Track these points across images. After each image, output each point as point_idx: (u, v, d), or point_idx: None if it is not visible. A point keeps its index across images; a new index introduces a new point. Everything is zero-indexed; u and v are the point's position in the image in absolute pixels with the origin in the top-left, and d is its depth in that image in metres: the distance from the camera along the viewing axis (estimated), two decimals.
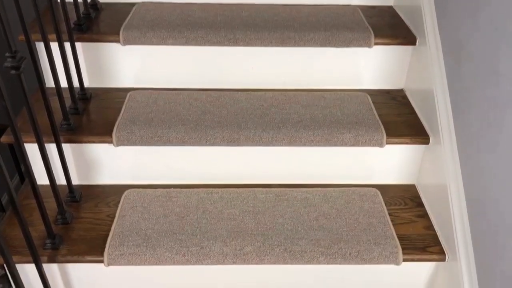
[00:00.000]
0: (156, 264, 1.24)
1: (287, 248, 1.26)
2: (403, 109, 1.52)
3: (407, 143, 1.40)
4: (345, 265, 1.27)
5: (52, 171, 1.24)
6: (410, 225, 1.36)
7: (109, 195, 1.43)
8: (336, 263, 1.26)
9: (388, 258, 1.26)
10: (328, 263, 1.26)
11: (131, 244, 1.26)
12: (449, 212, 1.25)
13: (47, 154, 1.23)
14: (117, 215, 1.35)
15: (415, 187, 1.49)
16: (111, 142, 1.36)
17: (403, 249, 1.27)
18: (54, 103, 1.32)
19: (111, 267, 1.26)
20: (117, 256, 1.24)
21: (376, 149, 1.41)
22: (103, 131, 1.38)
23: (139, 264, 1.24)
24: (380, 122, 1.42)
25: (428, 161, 1.42)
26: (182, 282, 1.35)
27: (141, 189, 1.44)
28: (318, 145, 1.37)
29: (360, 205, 1.40)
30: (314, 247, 1.27)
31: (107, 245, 1.26)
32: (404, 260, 1.26)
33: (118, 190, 1.44)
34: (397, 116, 1.48)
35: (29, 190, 1.24)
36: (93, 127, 1.41)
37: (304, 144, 1.37)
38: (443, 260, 1.28)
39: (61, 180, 1.38)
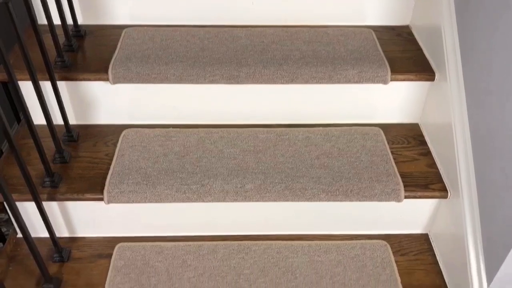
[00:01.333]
0: (157, 201, 1.24)
1: (288, 186, 1.25)
2: (408, 45, 1.47)
3: (412, 80, 1.36)
4: (346, 202, 1.26)
5: (47, 108, 1.20)
6: (412, 163, 1.34)
7: (107, 135, 1.41)
8: (337, 200, 1.25)
9: (389, 195, 1.25)
10: (329, 200, 1.25)
11: (131, 182, 1.25)
12: (453, 150, 1.23)
13: (41, 91, 1.19)
14: (115, 154, 1.33)
15: (418, 126, 1.47)
16: (107, 79, 1.32)
17: (405, 186, 1.26)
18: (47, 40, 1.27)
19: (112, 205, 1.26)
20: (117, 194, 1.23)
21: (379, 86, 1.38)
22: (98, 68, 1.34)
23: (139, 202, 1.23)
24: (384, 58, 1.38)
25: (433, 98, 1.38)
26: (182, 221, 1.36)
27: (139, 129, 1.41)
28: (320, 83, 1.33)
29: (362, 143, 1.38)
30: (315, 184, 1.26)
31: (106, 183, 1.24)
32: (406, 197, 1.26)
33: (116, 130, 1.42)
34: (402, 53, 1.43)
35: (26, 130, 1.21)
36: (88, 64, 1.37)
37: (306, 82, 1.33)
38: (445, 197, 1.27)
39: (58, 120, 1.36)
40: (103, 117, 1.44)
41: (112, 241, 1.35)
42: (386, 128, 1.44)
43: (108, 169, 1.29)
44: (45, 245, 1.31)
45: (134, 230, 1.36)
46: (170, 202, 1.24)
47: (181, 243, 1.34)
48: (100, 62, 1.36)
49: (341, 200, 1.25)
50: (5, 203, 1.12)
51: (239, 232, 1.38)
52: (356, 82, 1.33)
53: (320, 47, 1.41)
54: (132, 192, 1.23)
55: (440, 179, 1.30)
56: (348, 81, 1.33)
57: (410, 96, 1.41)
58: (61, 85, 1.35)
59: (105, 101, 1.41)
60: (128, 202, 1.23)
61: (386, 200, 1.26)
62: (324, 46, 1.42)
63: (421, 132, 1.44)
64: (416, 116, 1.46)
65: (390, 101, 1.43)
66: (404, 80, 1.36)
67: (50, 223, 1.22)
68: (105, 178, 1.26)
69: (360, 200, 1.25)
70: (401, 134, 1.43)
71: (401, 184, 1.26)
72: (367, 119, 1.45)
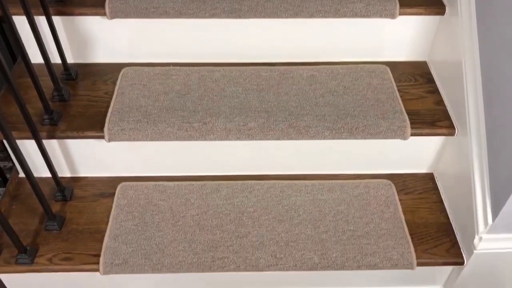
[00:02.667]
0: (158, 139, 1.22)
1: (292, 124, 1.23)
2: None
3: (421, 14, 1.30)
4: (351, 140, 1.24)
5: (43, 42, 1.16)
6: (419, 100, 1.31)
7: (106, 73, 1.37)
8: (342, 138, 1.23)
9: (395, 132, 1.23)
10: (333, 138, 1.23)
11: (131, 120, 1.22)
12: (462, 87, 1.19)
13: (36, 25, 1.15)
14: (115, 92, 1.30)
15: (426, 63, 1.42)
16: (104, 14, 1.27)
17: (411, 123, 1.23)
18: None
19: (113, 144, 1.24)
20: (118, 131, 1.21)
21: (387, 21, 1.32)
22: (95, 2, 1.29)
23: (140, 140, 1.22)
24: None
25: (442, 34, 1.33)
26: (185, 161, 1.34)
27: (139, 67, 1.37)
28: (326, 16, 1.28)
29: (368, 81, 1.34)
30: (319, 122, 1.23)
31: (107, 121, 1.22)
32: (412, 134, 1.23)
33: (115, 68, 1.38)
34: None
35: (23, 68, 1.18)
36: None
37: (312, 15, 1.28)
38: (452, 134, 1.24)
39: (55, 59, 1.32)
40: (101, 55, 1.40)
41: (115, 181, 1.34)
42: (393, 65, 1.39)
43: (108, 107, 1.26)
44: (47, 184, 1.30)
45: (136, 170, 1.35)
46: (172, 140, 1.22)
47: (184, 183, 1.33)
48: None
49: (345, 138, 1.23)
50: (4, 140, 1.11)
51: (243, 172, 1.36)
52: (363, 16, 1.28)
53: None
54: (133, 130, 1.21)
55: (447, 116, 1.27)
56: (355, 14, 1.27)
57: (419, 31, 1.36)
58: (57, 21, 1.30)
59: (103, 38, 1.36)
60: (129, 139, 1.21)
61: (392, 138, 1.23)
62: None
63: (429, 70, 1.40)
64: (424, 53, 1.42)
65: (397, 37, 1.38)
66: (412, 14, 1.31)
67: (51, 161, 1.21)
68: (105, 116, 1.24)
69: (365, 138, 1.23)
70: (408, 72, 1.39)
71: (408, 121, 1.23)
72: (373, 57, 1.41)
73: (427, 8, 1.30)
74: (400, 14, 1.29)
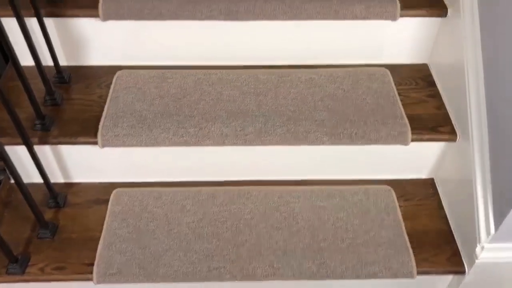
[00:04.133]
0: (153, 145, 1.19)
1: (290, 129, 1.20)
2: None
3: (422, 16, 1.27)
4: (351, 145, 1.21)
5: (33, 44, 1.13)
6: (420, 105, 1.28)
7: (100, 76, 1.34)
8: (341, 144, 1.20)
9: (396, 138, 1.20)
10: (332, 144, 1.20)
11: (125, 125, 1.19)
12: (464, 90, 1.16)
13: (26, 26, 1.12)
14: (109, 96, 1.27)
15: (427, 66, 1.39)
16: (97, 15, 1.24)
17: (412, 129, 1.21)
18: None
19: (107, 150, 1.21)
20: (112, 137, 1.18)
21: (387, 23, 1.29)
22: (88, 3, 1.25)
23: (135, 146, 1.19)
24: None
25: (444, 36, 1.30)
26: (180, 167, 1.31)
27: (134, 70, 1.34)
28: (325, 18, 1.25)
29: (368, 85, 1.31)
30: (318, 127, 1.20)
31: (100, 126, 1.19)
32: (413, 140, 1.21)
33: (109, 71, 1.35)
34: None
35: (14, 72, 1.14)
36: None
37: (311, 17, 1.24)
38: (454, 140, 1.22)
39: (47, 61, 1.29)
40: (95, 57, 1.36)
41: (109, 187, 1.31)
42: (394, 68, 1.36)
43: (102, 111, 1.23)
44: (40, 190, 1.27)
45: (131, 176, 1.32)
46: (167, 146, 1.19)
47: (179, 189, 1.30)
48: None
49: (345, 144, 1.20)
50: None
51: (239, 178, 1.33)
52: (364, 18, 1.25)
53: None
54: (127, 136, 1.18)
55: (448, 121, 1.24)
56: (355, 17, 1.24)
57: (420, 33, 1.33)
58: (49, 22, 1.26)
59: (97, 40, 1.33)
60: (123, 145, 1.18)
61: (392, 143, 1.21)
62: None
63: (430, 73, 1.37)
64: (425, 56, 1.39)
65: (398, 39, 1.34)
66: (414, 16, 1.28)
67: (43, 167, 1.18)
68: (99, 121, 1.21)
69: (365, 144, 1.20)
70: (409, 75, 1.36)
71: (408, 126, 1.21)
72: (373, 60, 1.38)
73: (429, 9, 1.27)
74: (401, 16, 1.26)
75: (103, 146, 1.18)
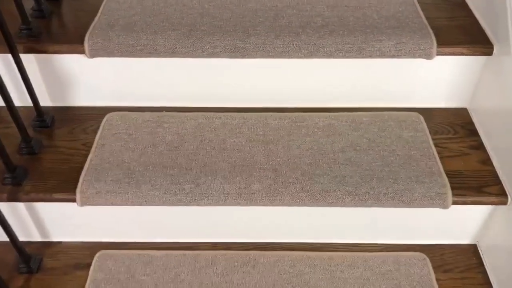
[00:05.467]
0: (140, 204, 1.00)
1: (305, 187, 1.00)
2: (457, 11, 1.18)
3: (463, 54, 1.08)
4: (378, 208, 1.01)
5: (3, 84, 0.96)
6: (461, 158, 1.08)
7: (87, 119, 1.17)
8: (367, 206, 1.00)
9: (433, 200, 0.99)
10: (356, 206, 1.00)
11: (109, 180, 1.01)
12: None
13: None
14: (95, 143, 1.10)
15: (467, 111, 1.19)
16: (83, 52, 1.08)
17: (452, 189, 1.00)
18: (10, 5, 1.03)
19: (87, 208, 1.03)
20: (92, 194, 1.00)
21: (420, 62, 1.10)
22: (73, 38, 1.09)
23: (119, 204, 1.00)
24: (428, 26, 1.10)
25: (489, 77, 1.10)
26: (175, 225, 1.12)
27: (125, 112, 1.17)
28: (347, 57, 1.06)
29: (398, 133, 1.12)
30: (338, 185, 1.00)
31: (80, 180, 1.01)
32: (454, 202, 1.00)
33: (98, 113, 1.18)
34: (449, 20, 1.15)
35: None
36: (62, 33, 1.13)
37: (330, 55, 1.06)
38: (504, 203, 1.00)
39: (30, 101, 1.12)
40: (83, 97, 1.20)
41: (93, 247, 1.13)
42: (427, 113, 1.17)
43: (85, 162, 1.06)
44: (13, 251, 1.09)
45: (117, 235, 1.13)
46: (157, 205, 1.00)
47: (174, 252, 1.11)
48: (77, 30, 1.12)
49: (371, 206, 1.00)
50: None
51: (244, 239, 1.14)
52: (393, 56, 1.06)
53: (347, 12, 1.14)
54: (111, 193, 0.99)
55: (497, 180, 1.03)
56: (383, 54, 1.06)
57: (459, 74, 1.14)
58: (30, 58, 1.11)
59: (84, 79, 1.16)
60: (105, 204, 1.00)
61: (428, 206, 1.00)
62: (352, 11, 1.14)
63: (471, 119, 1.17)
64: (465, 99, 1.19)
65: (433, 80, 1.15)
66: (452, 54, 1.09)
67: (11, 228, 1.00)
68: (79, 174, 1.03)
69: (395, 206, 1.00)
70: (446, 122, 1.16)
71: (448, 186, 1.00)
72: (403, 103, 1.19)
73: (471, 47, 1.07)
74: (438, 54, 1.07)
75: (82, 204, 1.00)
